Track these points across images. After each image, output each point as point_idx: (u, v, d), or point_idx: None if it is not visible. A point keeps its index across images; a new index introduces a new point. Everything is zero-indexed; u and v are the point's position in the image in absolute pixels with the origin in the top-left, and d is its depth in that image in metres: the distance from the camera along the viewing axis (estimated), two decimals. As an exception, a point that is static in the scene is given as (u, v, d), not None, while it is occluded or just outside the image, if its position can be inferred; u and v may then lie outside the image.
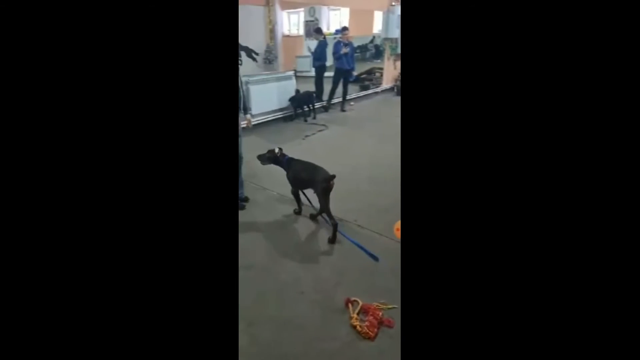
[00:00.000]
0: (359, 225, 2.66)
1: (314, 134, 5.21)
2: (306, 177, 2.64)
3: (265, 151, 2.90)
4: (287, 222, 2.77)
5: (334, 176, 2.50)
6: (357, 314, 1.77)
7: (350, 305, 1.84)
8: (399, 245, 1.60)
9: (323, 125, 5.68)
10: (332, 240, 2.46)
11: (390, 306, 1.84)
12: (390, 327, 1.73)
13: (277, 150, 2.84)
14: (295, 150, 4.21)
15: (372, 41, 9.94)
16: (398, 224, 2.66)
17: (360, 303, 1.83)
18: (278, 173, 2.92)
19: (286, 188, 2.93)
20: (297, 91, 5.93)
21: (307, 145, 4.71)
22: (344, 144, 4.76)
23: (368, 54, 10.75)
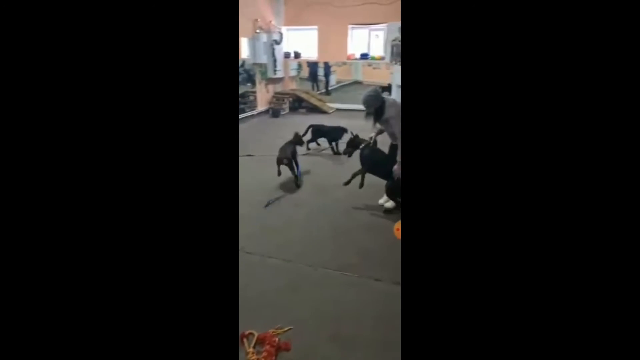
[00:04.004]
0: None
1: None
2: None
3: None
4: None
5: None
6: (254, 347, 1.66)
7: (245, 340, 1.70)
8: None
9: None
10: None
11: (286, 329, 1.75)
12: (287, 350, 1.64)
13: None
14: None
15: (242, 65, 9.32)
16: (398, 224, 2.50)
17: (256, 335, 1.71)
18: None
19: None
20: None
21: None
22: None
23: (240, 78, 9.90)
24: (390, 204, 3.04)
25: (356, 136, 3.13)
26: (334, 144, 4.73)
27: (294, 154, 3.64)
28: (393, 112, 2.72)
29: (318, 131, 4.83)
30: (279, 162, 3.48)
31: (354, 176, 3.05)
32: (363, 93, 2.83)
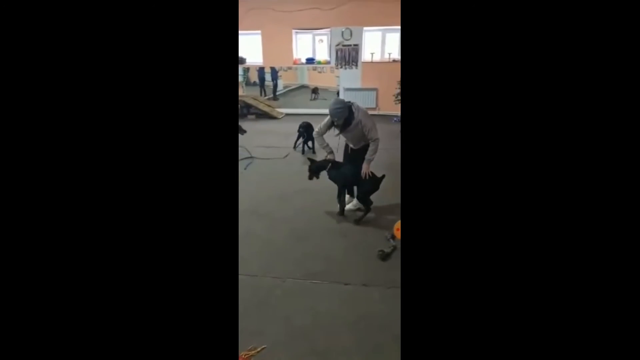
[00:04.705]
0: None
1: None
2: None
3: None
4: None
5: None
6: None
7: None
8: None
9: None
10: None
11: (259, 349, 1.67)
12: None
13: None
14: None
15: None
16: (398, 224, 2.52)
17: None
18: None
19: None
20: None
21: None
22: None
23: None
24: (351, 205, 3.07)
25: (312, 161, 3.00)
26: (310, 142, 4.71)
27: None
28: (362, 115, 2.71)
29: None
30: None
31: (341, 202, 3.00)
32: (329, 105, 2.73)
